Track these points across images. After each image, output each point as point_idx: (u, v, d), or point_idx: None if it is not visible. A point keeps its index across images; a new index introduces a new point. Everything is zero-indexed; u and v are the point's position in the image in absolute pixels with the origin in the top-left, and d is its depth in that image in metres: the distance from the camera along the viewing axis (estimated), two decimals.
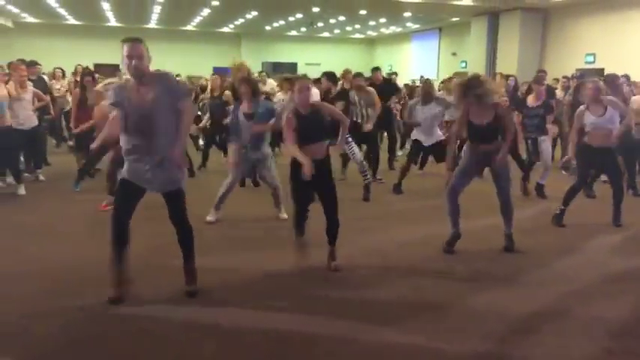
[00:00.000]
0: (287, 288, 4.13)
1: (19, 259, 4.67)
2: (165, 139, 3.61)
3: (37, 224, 5.81)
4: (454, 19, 23.92)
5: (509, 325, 3.54)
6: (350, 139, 7.00)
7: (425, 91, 7.61)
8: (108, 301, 3.72)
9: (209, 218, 5.79)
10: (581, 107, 5.94)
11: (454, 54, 24.92)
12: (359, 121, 7.73)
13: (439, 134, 7.51)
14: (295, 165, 4.32)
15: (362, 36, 32.17)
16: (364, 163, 7.31)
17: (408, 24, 26.00)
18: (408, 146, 9.56)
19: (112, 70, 12.11)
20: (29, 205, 6.71)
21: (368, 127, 7.70)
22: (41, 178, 8.08)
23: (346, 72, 8.87)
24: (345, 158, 8.01)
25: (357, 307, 3.79)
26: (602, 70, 15.66)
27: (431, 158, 8.20)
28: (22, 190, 7.10)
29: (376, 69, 9.43)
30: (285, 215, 5.92)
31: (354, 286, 4.19)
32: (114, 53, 22.40)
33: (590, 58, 17.24)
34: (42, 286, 4.06)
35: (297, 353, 3.17)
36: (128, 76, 3.76)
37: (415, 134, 7.57)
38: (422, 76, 12.58)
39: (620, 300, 3.97)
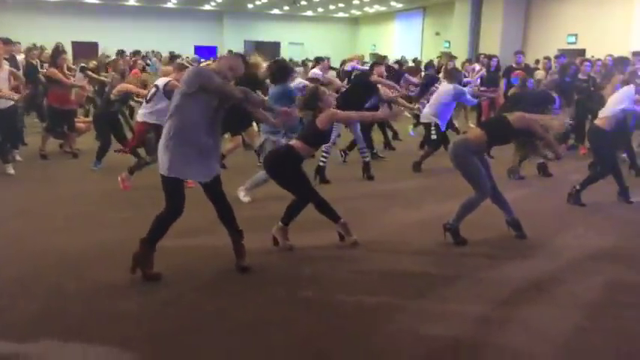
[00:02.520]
0: (280, 266, 4.17)
1: None
2: (216, 137, 3.87)
3: (15, 206, 5.74)
4: None
5: (486, 302, 3.60)
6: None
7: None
8: (148, 278, 3.81)
9: (246, 199, 5.85)
10: (631, 87, 6.01)
11: (438, 34, 24.80)
12: None
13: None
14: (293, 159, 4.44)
15: (346, 15, 31.86)
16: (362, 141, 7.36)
17: (392, 3, 25.76)
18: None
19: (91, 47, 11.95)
20: (5, 185, 6.61)
21: None
22: (18, 158, 7.95)
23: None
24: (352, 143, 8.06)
25: (353, 282, 3.84)
26: (584, 50, 15.74)
27: None
28: (10, 170, 7.10)
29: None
30: None
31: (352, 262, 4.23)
32: (92, 31, 21.89)
33: (572, 39, 17.30)
34: (21, 270, 4.02)
35: (278, 334, 3.20)
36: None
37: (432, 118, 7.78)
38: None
39: (595, 279, 4.06)
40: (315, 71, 9.45)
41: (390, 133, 10.10)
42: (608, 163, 6.09)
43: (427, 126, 7.92)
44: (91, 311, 3.41)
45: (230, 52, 8.59)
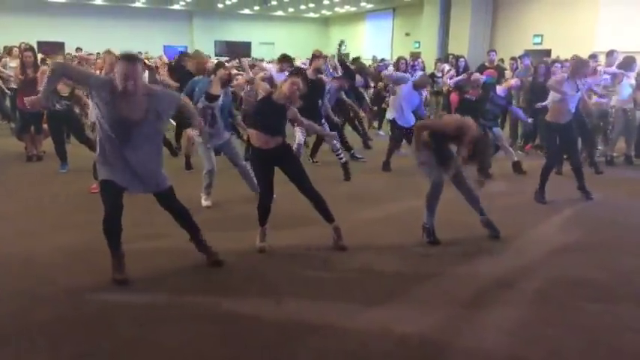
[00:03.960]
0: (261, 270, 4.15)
1: None
2: (142, 155, 3.67)
3: None
4: None
5: (457, 300, 3.66)
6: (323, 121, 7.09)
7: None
8: (116, 283, 3.74)
9: (205, 203, 5.75)
10: (564, 75, 6.06)
11: (408, 34, 25.04)
12: None
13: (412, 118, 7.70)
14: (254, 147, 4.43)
15: (316, 15, 31.91)
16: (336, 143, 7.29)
17: (363, 3, 25.93)
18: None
19: (57, 48, 11.69)
20: None
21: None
22: None
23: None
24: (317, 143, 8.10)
25: (325, 285, 3.85)
26: (549, 51, 16.10)
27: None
28: None
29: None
30: None
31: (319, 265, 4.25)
32: (58, 31, 21.44)
33: (538, 40, 17.68)
34: None
35: (250, 333, 3.20)
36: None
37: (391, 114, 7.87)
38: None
39: (561, 274, 4.15)
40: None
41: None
42: (550, 152, 6.28)
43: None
44: (60, 315, 3.35)
45: (196, 51, 8.48)
